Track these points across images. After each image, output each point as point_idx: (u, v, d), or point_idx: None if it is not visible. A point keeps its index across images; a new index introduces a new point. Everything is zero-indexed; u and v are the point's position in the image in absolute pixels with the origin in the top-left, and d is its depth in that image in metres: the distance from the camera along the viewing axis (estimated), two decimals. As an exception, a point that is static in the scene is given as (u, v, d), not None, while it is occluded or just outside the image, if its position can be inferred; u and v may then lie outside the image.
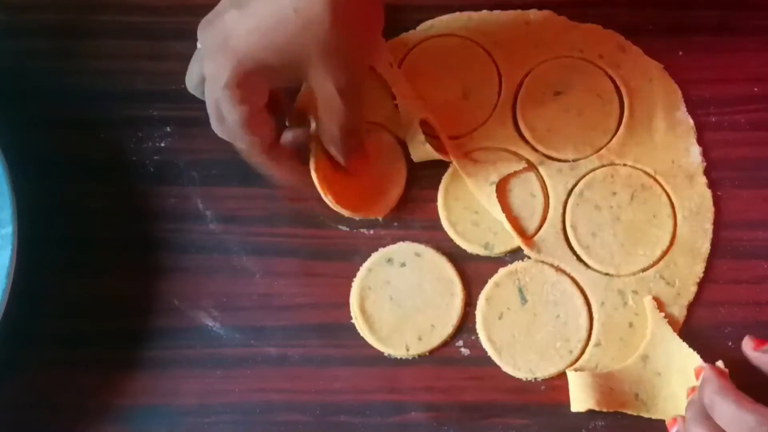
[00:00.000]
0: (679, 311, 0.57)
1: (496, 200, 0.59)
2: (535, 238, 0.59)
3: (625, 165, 0.60)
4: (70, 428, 0.57)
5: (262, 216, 0.59)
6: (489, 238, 0.59)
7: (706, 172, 0.59)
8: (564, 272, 0.58)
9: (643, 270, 0.58)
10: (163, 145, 0.61)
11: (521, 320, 0.57)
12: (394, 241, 0.59)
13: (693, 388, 0.53)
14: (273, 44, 0.50)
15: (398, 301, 0.58)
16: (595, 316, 0.57)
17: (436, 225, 0.59)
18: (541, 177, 0.60)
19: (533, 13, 0.62)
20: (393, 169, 0.60)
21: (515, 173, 0.59)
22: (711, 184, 0.59)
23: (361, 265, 0.59)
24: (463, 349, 0.58)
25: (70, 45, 0.62)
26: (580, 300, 0.57)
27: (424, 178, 0.60)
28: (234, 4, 0.51)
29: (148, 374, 0.57)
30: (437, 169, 0.60)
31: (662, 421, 0.55)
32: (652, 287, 0.58)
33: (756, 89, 0.61)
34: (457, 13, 0.62)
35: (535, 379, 0.57)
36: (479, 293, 0.58)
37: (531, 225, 0.59)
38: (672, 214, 0.59)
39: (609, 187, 0.59)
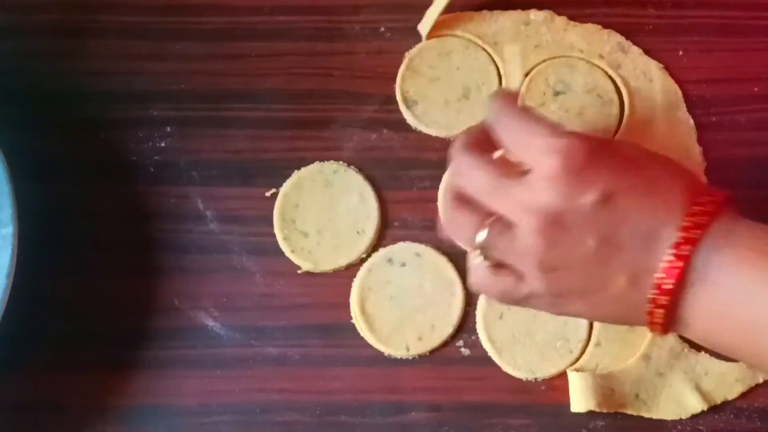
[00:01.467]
0: (680, 311, 0.57)
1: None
2: (536, 238, 0.58)
3: (625, 165, 0.59)
4: (70, 428, 0.57)
5: (262, 216, 0.59)
6: (489, 238, 0.59)
7: (707, 173, 0.59)
8: (564, 272, 0.58)
9: (644, 270, 0.58)
10: (163, 145, 0.61)
11: (521, 320, 0.57)
12: (395, 241, 0.59)
13: None
14: None
15: (398, 301, 0.58)
16: (596, 316, 0.57)
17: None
18: (542, 177, 0.60)
19: (533, 13, 0.62)
20: None
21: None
22: (711, 185, 0.59)
23: (361, 265, 0.59)
24: (463, 349, 0.58)
25: (70, 45, 0.62)
26: (581, 300, 0.57)
27: (425, 179, 0.60)
28: None
29: (148, 374, 0.57)
30: (437, 169, 0.60)
31: (662, 421, 0.55)
32: (652, 287, 0.58)
33: (756, 89, 0.61)
34: (458, 13, 0.62)
35: (536, 379, 0.57)
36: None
37: (531, 225, 0.59)
38: (672, 214, 0.59)
39: (609, 187, 0.59)
